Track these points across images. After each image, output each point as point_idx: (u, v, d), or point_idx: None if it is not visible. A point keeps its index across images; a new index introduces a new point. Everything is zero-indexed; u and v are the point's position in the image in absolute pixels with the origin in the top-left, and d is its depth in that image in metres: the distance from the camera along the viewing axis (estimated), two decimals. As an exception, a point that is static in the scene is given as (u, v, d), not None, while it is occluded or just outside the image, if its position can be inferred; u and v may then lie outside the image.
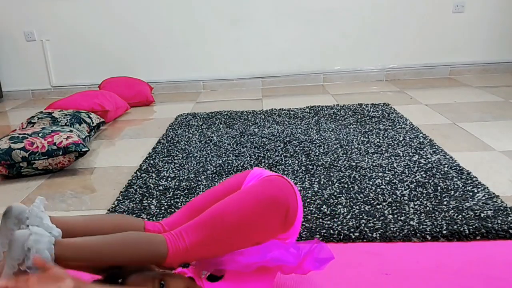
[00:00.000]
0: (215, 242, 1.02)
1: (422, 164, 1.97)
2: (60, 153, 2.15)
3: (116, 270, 0.99)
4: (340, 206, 1.64)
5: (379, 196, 1.71)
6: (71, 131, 2.36)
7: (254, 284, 1.07)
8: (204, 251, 1.02)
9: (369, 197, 1.71)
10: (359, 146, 2.25)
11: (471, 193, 1.67)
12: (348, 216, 1.57)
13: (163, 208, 1.72)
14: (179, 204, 1.75)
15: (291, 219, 1.09)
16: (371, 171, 1.94)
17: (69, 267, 0.91)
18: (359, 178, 1.88)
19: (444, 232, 1.43)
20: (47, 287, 0.81)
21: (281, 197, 1.08)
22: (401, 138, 2.32)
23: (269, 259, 1.02)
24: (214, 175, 2.02)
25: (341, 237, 1.45)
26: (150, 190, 1.90)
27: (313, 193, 1.76)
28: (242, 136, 2.53)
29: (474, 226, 1.44)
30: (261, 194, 1.08)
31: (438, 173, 1.86)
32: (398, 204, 1.63)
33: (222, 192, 1.18)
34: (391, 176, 1.87)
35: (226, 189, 1.20)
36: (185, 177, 2.01)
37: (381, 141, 2.30)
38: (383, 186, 1.79)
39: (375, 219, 1.54)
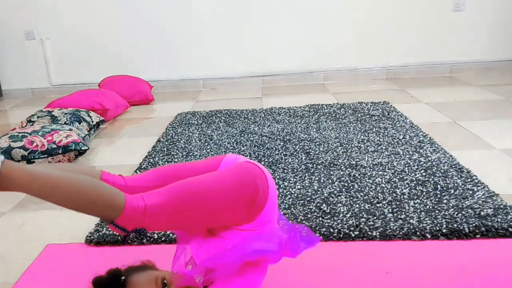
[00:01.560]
0: (176, 212, 0.96)
1: (422, 163, 1.97)
2: (60, 152, 2.15)
3: (117, 270, 0.98)
4: (340, 205, 1.64)
5: (379, 194, 1.71)
6: (70, 129, 2.36)
7: (245, 282, 1.06)
8: (163, 218, 0.96)
9: (369, 195, 1.71)
10: (359, 145, 2.25)
11: (471, 192, 1.67)
12: (348, 215, 1.57)
13: (163, 206, 1.72)
14: (179, 202, 1.75)
15: (259, 206, 1.03)
16: (371, 169, 1.94)
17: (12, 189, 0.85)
18: (359, 177, 1.88)
19: (444, 230, 1.43)
20: None
21: (250, 180, 1.03)
22: (401, 137, 2.32)
23: (251, 252, 0.97)
24: (214, 173, 2.02)
25: (341, 235, 1.45)
26: (150, 189, 1.89)
27: (313, 192, 1.76)
28: (242, 135, 2.53)
29: (474, 225, 1.44)
30: (230, 175, 1.04)
31: (438, 172, 1.86)
32: (398, 203, 1.63)
33: (192, 171, 1.11)
34: (391, 175, 1.87)
35: (197, 168, 1.13)
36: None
37: (381, 140, 2.30)
38: (383, 185, 1.78)
39: (375, 218, 1.54)
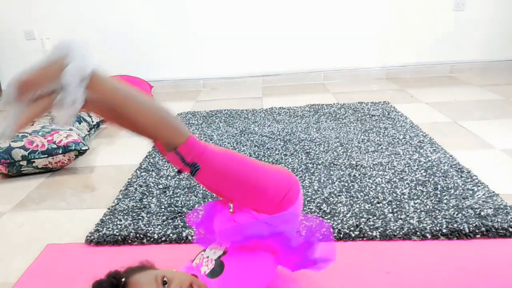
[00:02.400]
0: (226, 167, 1.03)
1: (422, 163, 1.97)
2: (60, 152, 2.15)
3: (116, 272, 0.98)
4: (340, 205, 1.64)
5: (379, 194, 1.71)
6: (71, 129, 2.36)
7: (254, 278, 1.07)
8: (215, 165, 1.02)
9: (369, 195, 1.70)
10: (359, 145, 2.25)
11: (471, 192, 1.67)
12: (348, 215, 1.57)
13: (163, 206, 1.72)
14: (179, 202, 1.75)
15: (286, 203, 1.09)
16: (371, 169, 1.94)
17: (94, 105, 0.93)
18: (359, 177, 1.88)
19: (444, 230, 1.43)
20: None
21: (292, 178, 1.13)
22: (401, 137, 2.32)
23: (268, 232, 1.02)
24: (214, 173, 2.02)
25: (341, 235, 1.45)
26: (150, 189, 1.90)
27: (313, 192, 1.76)
28: (242, 135, 2.53)
29: (474, 225, 1.44)
30: (278, 169, 1.16)
31: (438, 172, 1.86)
32: (398, 203, 1.63)
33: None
34: (391, 175, 1.87)
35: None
36: (185, 175, 2.01)
37: (381, 140, 2.30)
38: (383, 185, 1.78)
39: (375, 218, 1.53)
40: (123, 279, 0.96)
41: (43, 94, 0.92)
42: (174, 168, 1.19)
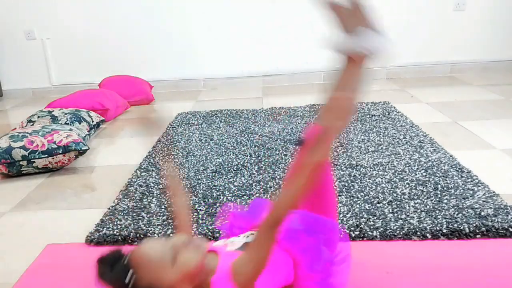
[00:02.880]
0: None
1: (422, 163, 1.97)
2: (60, 152, 2.15)
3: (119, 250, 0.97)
4: (340, 205, 1.64)
5: (380, 194, 1.70)
6: (71, 129, 2.36)
7: (274, 270, 1.06)
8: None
9: (369, 195, 1.70)
10: (360, 145, 2.25)
11: (471, 192, 1.67)
12: (348, 215, 1.57)
13: (163, 206, 1.72)
14: (179, 202, 1.75)
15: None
16: (371, 169, 1.94)
17: None
18: (359, 177, 1.87)
19: (444, 230, 1.43)
20: None
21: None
22: (401, 137, 2.32)
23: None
24: (214, 173, 2.02)
25: (341, 236, 1.45)
26: (150, 189, 1.90)
27: (313, 192, 1.76)
28: (243, 135, 2.53)
29: (474, 225, 1.44)
30: None
31: (438, 172, 1.86)
32: (398, 203, 1.63)
33: None
34: (391, 175, 1.87)
35: None
36: (185, 175, 2.01)
37: (381, 140, 2.30)
38: (383, 185, 1.78)
39: (375, 218, 1.53)
40: (124, 256, 0.94)
41: None
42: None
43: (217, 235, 1.47)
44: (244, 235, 1.13)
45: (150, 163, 2.19)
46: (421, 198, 1.65)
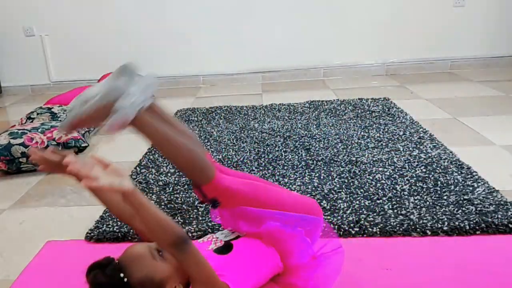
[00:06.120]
0: (247, 204, 1.12)
1: (422, 159, 1.97)
2: (60, 149, 2.15)
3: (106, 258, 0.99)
4: (340, 201, 1.64)
5: (379, 191, 1.70)
6: (70, 126, 2.36)
7: (257, 267, 1.11)
8: (236, 202, 1.12)
9: (369, 192, 1.70)
10: (359, 141, 2.25)
11: (471, 188, 1.67)
12: (348, 211, 1.57)
13: (163, 203, 1.72)
14: (179, 199, 1.75)
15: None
16: (371, 166, 1.94)
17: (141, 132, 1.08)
18: (359, 173, 1.87)
19: (445, 228, 1.43)
20: (111, 178, 0.89)
21: (312, 209, 1.23)
22: (401, 133, 2.31)
23: (291, 220, 1.13)
24: (214, 170, 2.02)
25: (341, 232, 1.45)
26: (150, 186, 1.90)
27: (313, 188, 1.76)
28: (242, 131, 2.53)
29: (474, 221, 1.44)
30: (299, 198, 1.33)
31: (438, 168, 1.86)
32: (398, 199, 1.63)
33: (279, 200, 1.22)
34: (391, 171, 1.87)
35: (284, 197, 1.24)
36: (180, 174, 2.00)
37: (381, 136, 2.30)
38: (383, 181, 1.78)
39: (375, 214, 1.53)
40: (114, 259, 0.98)
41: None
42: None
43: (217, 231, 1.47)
44: (228, 232, 1.19)
45: (149, 160, 2.19)
46: (421, 194, 1.65)
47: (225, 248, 1.11)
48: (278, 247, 1.14)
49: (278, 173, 1.93)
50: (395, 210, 1.55)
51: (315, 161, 2.03)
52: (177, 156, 1.10)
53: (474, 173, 1.79)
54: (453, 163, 1.90)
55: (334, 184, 1.79)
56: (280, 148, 2.23)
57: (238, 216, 1.14)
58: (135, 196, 0.95)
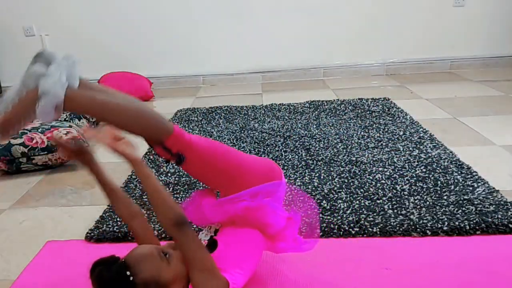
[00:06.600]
0: (211, 156, 1.11)
1: (422, 159, 1.97)
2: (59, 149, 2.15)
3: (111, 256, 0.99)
4: (340, 201, 1.64)
5: (379, 191, 1.70)
6: (70, 126, 2.36)
7: (246, 253, 1.11)
8: (201, 154, 1.10)
9: (369, 192, 1.70)
10: (359, 141, 2.25)
11: (471, 188, 1.67)
12: (348, 211, 1.57)
13: (163, 203, 1.72)
14: (179, 199, 1.75)
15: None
16: (371, 166, 1.94)
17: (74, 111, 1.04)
18: (359, 173, 1.87)
19: (444, 227, 1.43)
20: (124, 146, 0.97)
21: (275, 167, 1.22)
22: (401, 133, 2.31)
23: (258, 199, 1.11)
24: (214, 170, 2.02)
25: (341, 232, 1.45)
26: (150, 186, 1.89)
27: (313, 188, 1.76)
28: (242, 131, 2.53)
29: (474, 221, 1.44)
30: (259, 159, 1.32)
31: (438, 168, 1.86)
32: (398, 199, 1.63)
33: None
34: (391, 171, 1.87)
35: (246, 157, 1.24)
36: (185, 172, 2.01)
37: (381, 136, 2.30)
38: (383, 181, 1.78)
39: (375, 214, 1.53)
40: (120, 257, 0.97)
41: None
42: (162, 158, 1.26)
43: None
44: (207, 229, 1.18)
45: (149, 160, 2.19)
46: (421, 194, 1.65)
47: (211, 246, 1.11)
48: (254, 224, 1.14)
49: (278, 173, 1.93)
50: (395, 210, 1.55)
51: (315, 161, 2.03)
52: (127, 119, 1.05)
53: (474, 173, 1.79)
54: (453, 163, 1.90)
55: (334, 184, 1.79)
56: (280, 148, 2.23)
57: (202, 207, 1.15)
58: (143, 166, 0.98)
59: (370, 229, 1.45)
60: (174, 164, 2.09)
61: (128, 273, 0.93)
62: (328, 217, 1.53)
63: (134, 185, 1.90)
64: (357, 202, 1.63)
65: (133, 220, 1.17)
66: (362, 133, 2.37)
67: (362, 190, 1.72)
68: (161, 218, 1.01)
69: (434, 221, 1.46)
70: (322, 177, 1.86)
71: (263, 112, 2.89)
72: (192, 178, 1.93)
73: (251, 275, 1.12)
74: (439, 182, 1.73)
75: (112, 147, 0.97)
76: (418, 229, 1.43)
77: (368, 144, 2.20)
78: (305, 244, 1.17)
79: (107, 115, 1.04)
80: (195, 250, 0.99)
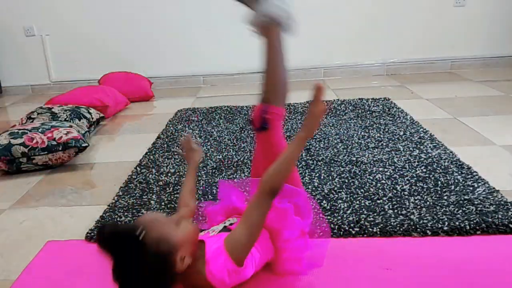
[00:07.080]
0: (279, 146, 1.31)
1: (422, 159, 1.97)
2: (60, 149, 2.15)
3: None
4: (340, 201, 1.64)
5: (380, 191, 1.70)
6: (70, 126, 2.36)
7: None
8: (274, 137, 1.35)
9: (370, 192, 1.70)
10: (360, 141, 2.25)
11: (471, 188, 1.67)
12: (348, 211, 1.57)
13: (163, 203, 1.72)
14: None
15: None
16: (371, 166, 1.94)
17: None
18: (359, 173, 1.87)
19: (445, 227, 1.43)
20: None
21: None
22: (401, 133, 2.31)
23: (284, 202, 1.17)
24: (214, 170, 2.02)
25: (341, 232, 1.45)
26: (150, 186, 1.90)
27: (313, 188, 1.76)
28: (242, 131, 2.53)
29: (474, 221, 1.44)
30: None
31: (438, 168, 1.86)
32: (398, 199, 1.63)
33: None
34: (391, 171, 1.87)
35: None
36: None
37: (381, 136, 2.30)
38: (383, 181, 1.78)
39: (375, 214, 1.53)
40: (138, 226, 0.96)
41: None
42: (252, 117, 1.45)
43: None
44: (222, 223, 1.21)
45: (150, 160, 2.19)
46: (421, 194, 1.65)
47: (223, 231, 1.14)
48: (270, 224, 1.15)
49: (278, 173, 1.93)
50: (395, 210, 1.55)
51: (315, 161, 2.03)
52: (279, 73, 1.38)
53: (474, 173, 1.79)
54: (453, 163, 1.90)
55: (334, 184, 1.79)
56: (280, 148, 2.23)
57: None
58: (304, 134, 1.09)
59: (370, 229, 1.45)
60: (173, 166, 2.09)
61: (138, 232, 0.93)
62: (328, 217, 1.53)
63: (135, 185, 1.90)
64: (357, 202, 1.63)
65: (181, 208, 1.33)
66: (362, 133, 2.37)
67: (362, 190, 1.72)
68: (265, 175, 1.05)
69: (435, 221, 1.46)
70: (322, 177, 1.86)
71: (263, 112, 2.88)
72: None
73: (258, 267, 1.15)
74: (439, 182, 1.73)
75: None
76: (419, 229, 1.43)
77: (369, 144, 2.20)
78: (308, 267, 1.19)
79: (272, 62, 1.43)
80: (258, 215, 1.03)
